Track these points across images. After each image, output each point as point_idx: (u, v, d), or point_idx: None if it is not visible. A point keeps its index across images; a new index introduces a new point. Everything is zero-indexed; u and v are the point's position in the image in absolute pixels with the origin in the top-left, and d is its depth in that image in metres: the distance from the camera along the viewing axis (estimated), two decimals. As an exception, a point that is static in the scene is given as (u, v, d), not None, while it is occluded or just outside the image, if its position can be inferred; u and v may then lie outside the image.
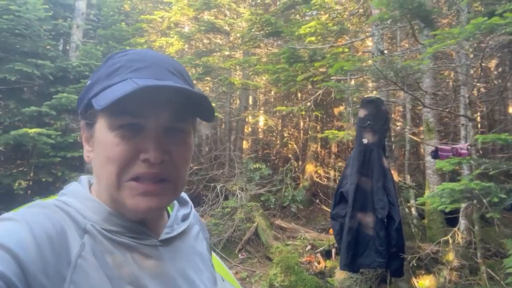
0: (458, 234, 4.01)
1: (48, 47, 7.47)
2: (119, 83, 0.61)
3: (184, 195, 0.86)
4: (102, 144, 0.63)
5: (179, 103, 0.63)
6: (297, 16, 9.41)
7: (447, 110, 3.98)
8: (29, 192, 7.24)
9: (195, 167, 9.15)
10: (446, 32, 2.89)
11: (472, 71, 5.71)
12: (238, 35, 8.50)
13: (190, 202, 0.87)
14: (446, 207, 2.85)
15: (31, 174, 7.11)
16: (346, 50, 5.72)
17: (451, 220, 5.59)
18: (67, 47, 8.42)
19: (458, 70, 3.71)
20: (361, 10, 7.72)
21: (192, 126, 0.70)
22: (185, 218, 0.80)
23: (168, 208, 0.81)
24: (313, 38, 5.88)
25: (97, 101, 0.60)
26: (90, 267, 0.59)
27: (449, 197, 2.77)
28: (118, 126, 0.62)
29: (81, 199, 0.66)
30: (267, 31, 7.17)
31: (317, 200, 9.79)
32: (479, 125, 9.94)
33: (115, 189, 0.63)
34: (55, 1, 7.90)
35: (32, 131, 5.88)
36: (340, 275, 5.24)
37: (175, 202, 0.82)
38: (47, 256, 0.54)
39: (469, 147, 3.63)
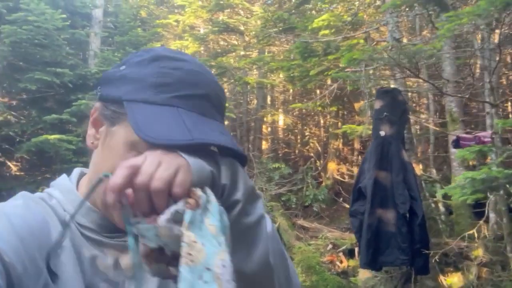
0: (484, 228, 3.77)
1: (67, 56, 7.65)
2: (164, 106, 0.57)
3: None
4: (116, 153, 0.60)
5: None
6: (313, 11, 9.26)
7: (467, 96, 3.75)
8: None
9: (215, 169, 9.14)
10: (460, 12, 2.70)
11: (497, 58, 5.42)
12: (253, 33, 8.45)
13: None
14: (467, 198, 2.66)
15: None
16: (362, 41, 5.53)
17: (480, 214, 5.30)
18: (86, 55, 8.61)
19: (478, 54, 3.48)
20: (378, 2, 7.50)
21: None
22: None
23: None
24: (327, 31, 5.73)
25: (133, 117, 0.56)
26: (68, 258, 0.58)
27: (470, 187, 2.58)
28: (139, 149, 0.57)
29: (63, 191, 0.66)
30: (280, 28, 7.08)
31: (341, 199, 9.57)
32: (510, 115, 9.45)
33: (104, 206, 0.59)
34: (73, 10, 8.08)
35: (52, 137, 6.02)
36: (363, 274, 5.06)
37: None
38: (27, 248, 0.53)
39: (493, 135, 3.41)
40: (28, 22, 6.40)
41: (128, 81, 0.61)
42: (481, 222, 3.89)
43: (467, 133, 4.33)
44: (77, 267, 0.59)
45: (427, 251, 3.78)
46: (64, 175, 0.70)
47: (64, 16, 6.91)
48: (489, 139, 3.32)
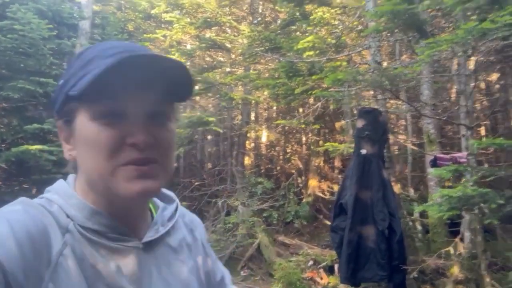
0: (460, 245, 3.91)
1: (52, 65, 7.60)
2: (95, 68, 0.58)
3: (170, 192, 0.83)
4: (86, 136, 0.62)
5: (160, 83, 0.62)
6: (298, 33, 9.53)
7: (444, 118, 3.95)
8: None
9: (197, 183, 9.13)
10: (439, 39, 2.89)
11: (472, 84, 5.71)
12: (239, 51, 8.61)
13: (177, 200, 0.83)
14: (444, 215, 2.79)
15: (33, 191, 7.12)
16: (345, 63, 5.75)
17: (455, 233, 5.48)
18: (71, 66, 8.55)
19: (455, 78, 3.70)
20: (360, 27, 7.80)
21: (173, 111, 0.69)
22: (170, 218, 0.78)
23: (152, 209, 0.78)
24: (311, 53, 5.93)
25: (74, 90, 0.60)
26: (70, 266, 0.58)
27: (446, 204, 2.71)
28: (100, 115, 0.61)
29: (64, 196, 0.66)
30: (266, 47, 7.25)
31: (321, 216, 9.66)
32: (483, 138, 9.85)
33: (109, 175, 0.61)
34: (60, 20, 8.06)
35: (34, 147, 5.91)
36: (343, 289, 5.12)
37: (160, 202, 0.79)
38: (27, 255, 0.54)
39: (468, 156, 3.59)
40: (13, 30, 6.36)
41: (66, 82, 0.65)
42: (457, 239, 4.03)
43: (444, 153, 4.52)
44: (80, 273, 0.59)
45: (405, 268, 3.88)
46: (61, 180, 0.71)
47: (51, 26, 6.90)
48: (465, 160, 3.49)
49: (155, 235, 0.71)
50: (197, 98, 10.81)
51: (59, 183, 0.70)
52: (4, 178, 7.30)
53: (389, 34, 6.89)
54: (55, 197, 0.65)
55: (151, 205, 0.78)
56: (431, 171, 5.20)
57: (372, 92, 4.61)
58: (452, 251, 3.99)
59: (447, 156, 3.70)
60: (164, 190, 0.82)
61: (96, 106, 0.61)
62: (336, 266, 5.83)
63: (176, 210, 0.80)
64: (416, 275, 4.13)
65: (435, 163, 3.77)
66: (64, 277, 0.57)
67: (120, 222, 0.66)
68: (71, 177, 0.71)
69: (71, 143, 0.66)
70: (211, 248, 0.89)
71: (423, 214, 6.35)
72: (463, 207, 2.91)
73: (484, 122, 8.74)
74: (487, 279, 3.64)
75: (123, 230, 0.66)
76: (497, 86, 10.01)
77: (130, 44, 0.67)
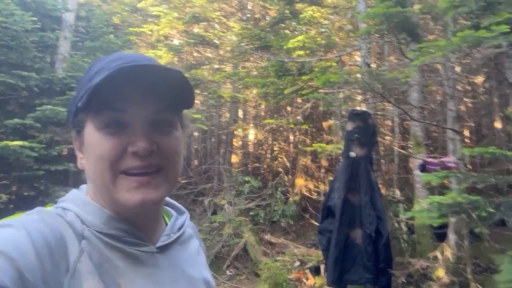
0: (447, 249, 3.94)
1: (35, 58, 7.37)
2: (102, 80, 0.60)
3: (179, 205, 0.87)
4: (91, 145, 0.64)
5: (160, 93, 0.64)
6: (287, 31, 9.47)
7: (434, 123, 3.96)
8: (11, 206, 7.01)
9: (183, 181, 9.01)
10: (432, 44, 2.87)
11: (459, 87, 5.75)
12: (228, 48, 8.50)
13: (186, 212, 0.87)
14: (434, 222, 2.78)
15: (13, 188, 6.91)
16: (334, 64, 5.72)
17: (441, 235, 5.53)
18: (54, 59, 8.31)
19: (445, 83, 3.70)
20: (349, 26, 7.79)
21: (178, 119, 0.70)
22: (181, 227, 0.80)
23: (166, 217, 0.81)
24: (301, 52, 5.89)
25: (80, 102, 0.63)
26: (88, 273, 0.59)
27: (437, 211, 2.70)
28: (104, 125, 0.63)
29: (79, 204, 0.67)
30: (256, 45, 7.18)
31: (308, 215, 9.67)
32: (467, 140, 10.00)
33: (110, 184, 0.63)
34: (43, 13, 7.81)
35: (14, 143, 5.73)
36: (329, 291, 5.11)
37: (173, 211, 0.82)
38: (45, 263, 0.55)
39: (457, 160, 3.60)
40: (-5, 22, 6.14)
41: (78, 93, 0.67)
42: (444, 244, 4.05)
43: (431, 157, 4.54)
44: (98, 279, 0.60)
45: (391, 271, 3.89)
46: (74, 190, 0.72)
47: (34, 18, 6.68)
48: (453, 165, 3.50)
49: (167, 240, 0.73)
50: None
51: (73, 192, 0.72)
52: (-17, 174, 7.05)
53: (378, 36, 6.91)
54: (70, 206, 0.67)
55: (165, 215, 0.81)
56: (418, 174, 5.23)
57: (360, 96, 4.60)
58: (439, 256, 4.01)
59: (436, 161, 3.70)
60: (175, 203, 0.86)
61: (99, 117, 0.63)
62: (322, 267, 5.83)
63: (185, 219, 0.83)
64: (404, 280, 4.14)
65: (424, 168, 3.77)
66: (82, 283, 0.58)
67: (135, 227, 0.68)
68: (83, 186, 0.73)
69: (82, 152, 0.69)
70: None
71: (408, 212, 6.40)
72: (453, 214, 2.91)
73: (468, 124, 8.86)
74: (473, 283, 3.67)
75: (139, 235, 0.68)
76: (482, 89, 10.17)
77: (139, 55, 0.70)
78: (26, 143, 6.03)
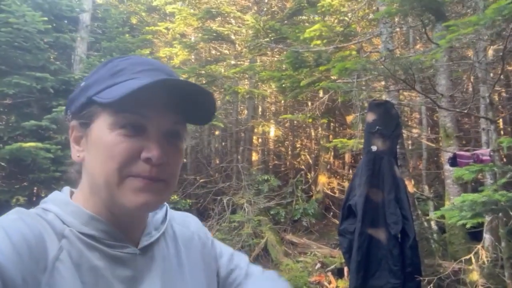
0: (482, 252, 3.54)
1: (51, 60, 7.37)
2: (126, 81, 0.63)
3: None
4: (102, 143, 0.64)
5: (181, 107, 0.66)
6: (306, 24, 9.13)
7: (465, 111, 3.56)
8: (31, 208, 7.06)
9: (202, 180, 8.86)
10: (462, 21, 2.51)
11: (491, 74, 5.27)
12: (244, 43, 8.26)
13: (166, 204, 0.84)
14: (466, 222, 2.43)
15: (32, 190, 6.94)
16: (354, 52, 5.36)
17: (475, 234, 5.08)
18: (72, 60, 8.32)
19: (477, 65, 3.30)
20: (371, 15, 7.37)
21: (185, 132, 0.71)
22: (162, 221, 0.78)
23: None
24: (318, 42, 5.55)
25: (102, 96, 0.63)
26: (66, 271, 0.59)
27: (470, 211, 2.36)
28: (120, 125, 0.63)
29: (61, 204, 0.67)
30: (272, 38, 6.90)
31: (331, 214, 9.31)
32: (501, 132, 9.34)
33: (116, 185, 0.63)
34: (58, 13, 7.81)
35: (28, 145, 5.70)
36: (352, 296, 4.79)
37: None
38: (24, 260, 0.55)
39: (491, 153, 3.20)
40: (8, 24, 6.12)
41: (90, 86, 0.67)
42: (479, 246, 3.65)
43: (464, 150, 4.13)
44: (77, 278, 0.59)
45: (420, 277, 3.53)
46: (55, 191, 0.72)
47: (45, 19, 6.63)
48: (488, 158, 3.11)
49: (150, 240, 0.72)
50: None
51: (54, 193, 0.72)
52: (3, 177, 7.13)
53: (402, 22, 6.46)
54: (50, 206, 0.67)
55: None
56: (448, 168, 4.82)
57: (383, 83, 4.23)
58: (473, 260, 3.62)
59: (468, 154, 3.32)
60: None
61: (118, 116, 0.63)
62: (345, 269, 5.50)
63: (166, 213, 0.81)
64: (430, 282, 3.77)
65: (454, 162, 3.39)
66: (60, 282, 0.58)
67: (117, 228, 0.68)
68: (66, 188, 0.73)
69: (81, 144, 0.68)
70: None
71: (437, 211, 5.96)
72: (487, 213, 2.54)
73: (503, 115, 8.23)
74: (513, 290, 3.27)
75: (120, 236, 0.67)
76: (517, 76, 9.46)
77: (153, 61, 0.71)
78: (40, 145, 6.00)
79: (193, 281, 0.76)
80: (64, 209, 0.66)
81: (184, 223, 0.86)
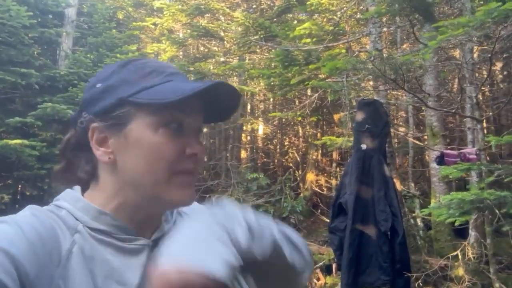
0: (468, 249, 3.62)
1: (35, 55, 7.22)
2: (166, 83, 0.66)
3: None
4: (146, 142, 0.65)
5: (214, 107, 0.70)
6: (295, 22, 9.14)
7: (453, 110, 3.63)
8: (16, 206, 6.92)
9: (190, 178, 8.81)
10: (451, 22, 2.55)
11: (477, 74, 5.37)
12: (233, 40, 8.22)
13: None
14: (455, 220, 2.48)
15: (16, 188, 6.80)
16: (343, 51, 5.40)
17: (459, 231, 5.19)
18: (57, 56, 8.16)
19: (464, 66, 3.37)
20: (359, 15, 7.42)
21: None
22: (171, 213, 0.79)
23: None
24: (308, 40, 5.57)
25: (144, 97, 0.64)
26: (79, 264, 0.60)
27: (458, 209, 2.41)
28: (163, 124, 0.65)
29: (71, 201, 0.68)
30: (261, 36, 6.89)
31: (319, 211, 9.38)
32: (485, 130, 9.54)
33: (165, 182, 0.65)
34: (43, 8, 7.66)
35: (13, 142, 5.58)
36: (341, 292, 4.84)
37: None
38: (38, 255, 0.56)
39: (478, 151, 3.27)
40: (-8, 18, 5.99)
41: (115, 87, 0.67)
42: (466, 243, 3.74)
43: (449, 148, 4.21)
44: (88, 271, 0.60)
45: (409, 274, 3.60)
46: (67, 189, 0.72)
47: (31, 13, 6.50)
48: (474, 156, 3.18)
49: (162, 232, 0.72)
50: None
51: (66, 191, 0.72)
52: (-14, 174, 6.97)
53: (389, 22, 6.53)
54: (63, 203, 0.68)
55: None
56: (434, 166, 4.91)
57: (371, 83, 4.28)
58: (460, 256, 3.70)
59: (455, 153, 3.38)
60: None
61: (158, 115, 0.65)
62: (333, 266, 5.55)
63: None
64: (417, 277, 3.85)
65: (442, 161, 3.46)
66: (73, 274, 0.59)
67: (131, 224, 0.68)
68: (77, 187, 0.73)
69: (110, 146, 0.68)
70: None
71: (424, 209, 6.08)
72: (475, 210, 2.60)
73: (489, 114, 8.40)
74: (497, 285, 3.36)
75: (131, 230, 0.68)
76: (500, 76, 9.68)
77: (169, 64, 0.76)
78: (26, 142, 5.89)
79: None
80: (75, 205, 0.67)
81: (194, 211, 0.87)
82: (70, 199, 0.69)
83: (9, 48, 6.54)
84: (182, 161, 0.66)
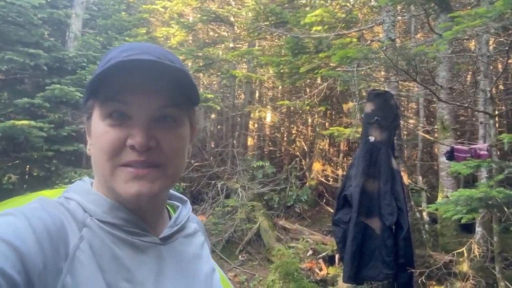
0: (474, 246, 3.57)
1: (45, 36, 7.19)
2: (107, 65, 0.62)
3: (182, 196, 0.87)
4: (96, 134, 0.65)
5: (163, 88, 0.64)
6: (307, 8, 8.96)
7: (466, 105, 3.52)
8: (24, 186, 6.99)
9: (196, 164, 8.82)
10: (469, 13, 2.44)
11: (491, 67, 5.21)
12: (243, 25, 8.09)
13: (188, 202, 0.86)
14: (462, 217, 2.43)
15: (24, 168, 6.86)
16: (355, 40, 5.27)
17: (466, 226, 5.12)
18: (66, 37, 8.13)
19: (480, 59, 3.26)
20: (373, 2, 7.24)
21: (187, 116, 0.70)
22: (183, 218, 0.79)
23: (170, 209, 0.82)
24: (319, 28, 5.44)
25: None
26: (87, 259, 0.59)
27: (466, 206, 2.34)
28: (107, 115, 0.63)
29: (82, 193, 0.67)
30: (272, 22, 6.77)
31: (323, 201, 9.35)
32: (497, 124, 9.34)
33: (109, 176, 0.63)
34: (53, -12, 7.60)
35: (20, 123, 5.60)
36: (343, 284, 4.84)
37: (177, 203, 0.83)
38: (45, 248, 0.55)
39: (489, 147, 3.19)
40: (1, -3, 5.95)
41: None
42: (472, 240, 3.67)
43: (460, 142, 4.11)
44: (96, 266, 0.59)
45: (412, 269, 3.56)
46: (77, 181, 0.72)
47: (40, -7, 6.45)
48: (485, 152, 3.10)
49: (170, 231, 0.73)
50: (200, 75, 10.38)
51: (77, 183, 0.72)
52: (-6, 154, 7.03)
53: (404, 11, 6.35)
54: (73, 195, 0.67)
55: (170, 208, 0.82)
56: (443, 160, 4.82)
57: (383, 73, 4.17)
58: (465, 253, 3.65)
59: (466, 148, 3.30)
60: (178, 194, 0.86)
61: (104, 106, 0.63)
62: (337, 257, 5.54)
63: (189, 211, 0.82)
64: (420, 272, 3.81)
65: (451, 156, 3.38)
66: (81, 270, 0.58)
67: (138, 218, 0.68)
68: (87, 178, 0.74)
69: (90, 137, 0.68)
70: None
71: (431, 204, 6.00)
72: (483, 208, 2.54)
73: (503, 109, 8.21)
74: (502, 283, 3.31)
75: (142, 225, 0.68)
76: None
77: (150, 46, 0.67)
78: (34, 123, 5.90)
79: (206, 276, 0.77)
80: (86, 197, 0.67)
81: (199, 223, 0.89)
82: (81, 191, 0.68)
83: (18, 28, 6.51)
84: (124, 154, 0.62)
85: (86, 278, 0.58)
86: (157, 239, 0.69)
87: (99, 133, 0.64)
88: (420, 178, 7.22)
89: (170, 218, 0.79)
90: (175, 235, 0.74)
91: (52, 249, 0.56)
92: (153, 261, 0.66)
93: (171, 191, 0.85)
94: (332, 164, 10.42)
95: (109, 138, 0.63)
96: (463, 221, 2.53)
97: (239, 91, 10.66)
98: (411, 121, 8.16)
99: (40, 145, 6.28)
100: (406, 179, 5.00)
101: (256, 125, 11.22)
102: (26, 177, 7.34)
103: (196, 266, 0.75)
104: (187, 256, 0.74)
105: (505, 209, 2.82)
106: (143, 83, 0.63)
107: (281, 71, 6.70)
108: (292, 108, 10.59)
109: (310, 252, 5.85)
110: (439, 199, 4.50)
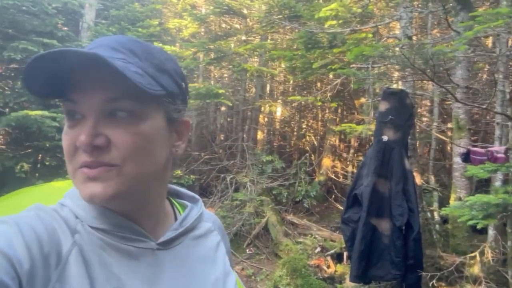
0: (487, 251, 3.51)
1: (58, 26, 7.21)
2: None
3: (192, 193, 0.83)
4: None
5: (116, 80, 0.57)
6: (322, 1, 8.84)
7: (484, 106, 3.44)
8: (36, 175, 7.08)
9: (206, 157, 8.83)
10: (490, 12, 2.37)
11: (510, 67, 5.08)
12: (256, 18, 8.02)
13: (200, 201, 0.82)
14: (477, 223, 2.37)
15: (36, 157, 6.94)
16: (370, 36, 5.17)
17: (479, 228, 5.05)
18: (79, 27, 8.15)
19: (500, 59, 3.17)
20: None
21: (157, 108, 0.63)
22: (191, 219, 0.75)
23: (180, 208, 0.78)
24: (334, 22, 5.35)
25: None
26: (77, 267, 0.58)
27: (481, 211, 2.29)
28: (66, 116, 0.61)
29: (73, 198, 0.66)
30: (285, 15, 6.68)
31: (332, 197, 9.31)
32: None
33: (73, 178, 0.62)
34: (67, -22, 7.60)
35: (33, 113, 5.65)
36: (350, 282, 4.82)
37: (189, 203, 0.79)
38: (35, 255, 0.54)
39: (507, 150, 3.11)
40: (15, -14, 5.97)
41: None
42: (485, 244, 3.61)
43: (473, 141, 4.03)
44: (85, 274, 0.58)
45: (421, 271, 3.52)
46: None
47: (54, -18, 6.45)
48: (502, 155, 3.02)
49: (172, 235, 0.69)
50: (211, 68, 10.34)
51: (73, 187, 0.68)
52: (9, 142, 7.12)
53: (420, 6, 6.22)
54: (67, 201, 0.66)
55: (178, 206, 0.79)
56: (458, 161, 4.73)
57: (397, 73, 4.09)
58: (478, 257, 3.59)
59: (482, 151, 3.22)
60: (186, 191, 0.82)
61: (64, 107, 0.62)
62: (345, 254, 5.52)
63: (200, 212, 0.78)
64: (434, 283, 3.76)
65: (467, 157, 3.31)
66: (70, 278, 0.57)
67: (133, 222, 0.65)
68: None
69: None
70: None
71: (442, 204, 5.92)
72: (499, 213, 2.48)
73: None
74: (515, 289, 3.25)
75: (136, 229, 0.65)
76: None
77: (108, 38, 0.64)
78: (47, 113, 5.95)
79: (214, 281, 0.73)
80: (76, 203, 0.65)
81: (214, 223, 0.84)
82: (73, 196, 0.66)
83: (32, 18, 6.54)
84: (78, 155, 0.60)
85: (74, 286, 0.57)
86: (154, 244, 0.66)
87: (62, 135, 0.62)
88: (432, 177, 7.12)
89: (176, 218, 0.76)
90: (180, 237, 0.71)
91: (41, 257, 0.55)
92: (146, 269, 0.63)
93: (183, 190, 0.81)
94: (342, 160, 10.34)
95: (66, 141, 0.61)
96: (478, 226, 2.47)
97: (250, 85, 10.60)
98: (424, 119, 8.04)
99: (52, 134, 6.33)
100: (419, 180, 4.93)
101: (266, 119, 11.17)
102: (39, 166, 7.42)
103: (203, 269, 0.72)
104: (192, 260, 0.71)
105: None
106: (86, 78, 0.58)
107: (293, 65, 6.63)
108: (303, 102, 10.51)
109: (318, 249, 5.83)
110: (452, 201, 4.43)
